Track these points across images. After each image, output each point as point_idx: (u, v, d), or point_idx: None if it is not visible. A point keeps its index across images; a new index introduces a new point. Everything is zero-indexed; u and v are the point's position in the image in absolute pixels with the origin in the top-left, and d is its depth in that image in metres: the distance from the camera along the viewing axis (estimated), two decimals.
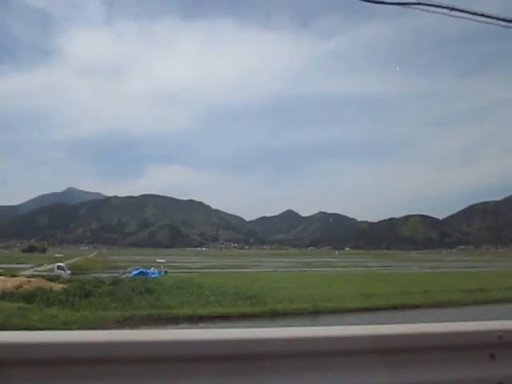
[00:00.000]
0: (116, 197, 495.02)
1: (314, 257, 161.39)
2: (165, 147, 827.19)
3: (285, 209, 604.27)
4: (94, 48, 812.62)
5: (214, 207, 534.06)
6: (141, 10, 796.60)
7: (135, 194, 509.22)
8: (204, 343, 1.72)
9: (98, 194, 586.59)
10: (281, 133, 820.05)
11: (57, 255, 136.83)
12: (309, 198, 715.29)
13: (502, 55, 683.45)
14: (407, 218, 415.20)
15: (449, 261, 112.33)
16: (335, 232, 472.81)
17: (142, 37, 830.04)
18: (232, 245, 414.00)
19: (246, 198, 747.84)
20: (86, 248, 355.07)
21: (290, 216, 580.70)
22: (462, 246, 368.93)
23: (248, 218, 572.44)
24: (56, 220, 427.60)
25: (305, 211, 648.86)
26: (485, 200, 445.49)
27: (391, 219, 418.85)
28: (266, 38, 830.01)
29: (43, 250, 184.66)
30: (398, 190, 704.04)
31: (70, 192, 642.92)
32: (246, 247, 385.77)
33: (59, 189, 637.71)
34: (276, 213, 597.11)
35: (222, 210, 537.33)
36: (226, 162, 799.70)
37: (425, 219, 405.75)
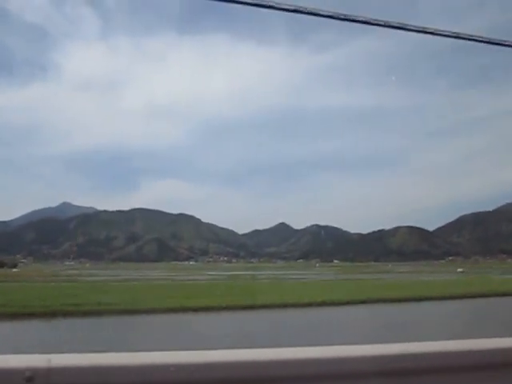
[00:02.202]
0: (106, 211, 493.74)
1: (278, 269, 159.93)
2: (160, 161, 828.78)
3: (278, 221, 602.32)
4: (90, 62, 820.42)
5: (205, 220, 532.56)
6: (136, 24, 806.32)
7: (125, 208, 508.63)
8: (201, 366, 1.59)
9: (92, 208, 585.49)
10: (276, 146, 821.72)
11: (14, 270, 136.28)
12: (303, 210, 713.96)
13: (495, 68, 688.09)
14: (397, 229, 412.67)
15: (397, 272, 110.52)
16: (327, 244, 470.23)
17: (137, 51, 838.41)
18: (221, 258, 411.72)
19: (239, 211, 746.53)
20: (72, 263, 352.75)
21: (282, 229, 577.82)
22: (450, 257, 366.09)
23: (241, 232, 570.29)
24: (44, 235, 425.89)
25: (298, 224, 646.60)
26: (475, 211, 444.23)
27: (380, 231, 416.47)
28: (261, 51, 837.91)
29: (14, 266, 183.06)
30: (394, 201, 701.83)
31: (63, 207, 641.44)
32: (234, 261, 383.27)
33: (53, 203, 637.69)
34: (269, 226, 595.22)
35: (213, 223, 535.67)
36: (221, 176, 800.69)
37: (414, 231, 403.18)
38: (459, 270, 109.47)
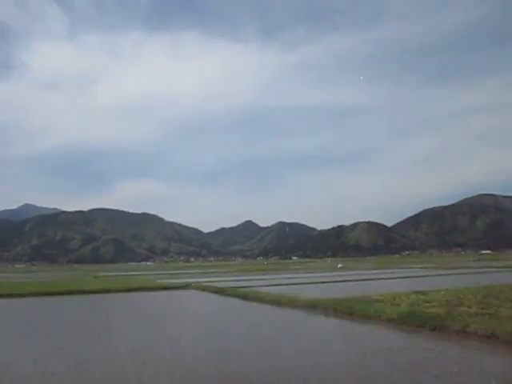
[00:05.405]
0: (65, 212, 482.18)
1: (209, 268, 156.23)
2: (129, 160, 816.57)
3: (245, 219, 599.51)
4: (58, 61, 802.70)
5: (169, 219, 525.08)
6: (104, 23, 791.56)
7: (85, 209, 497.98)
8: None
9: (55, 209, 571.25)
10: (246, 144, 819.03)
11: None
12: (272, 208, 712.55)
13: (460, 65, 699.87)
14: (355, 224, 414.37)
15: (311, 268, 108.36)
16: (289, 241, 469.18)
17: (106, 50, 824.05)
18: (181, 257, 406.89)
19: (207, 210, 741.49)
20: (23, 266, 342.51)
21: (249, 226, 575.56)
22: (407, 252, 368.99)
23: (206, 230, 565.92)
24: None
25: (265, 221, 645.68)
26: (434, 206, 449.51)
27: (340, 226, 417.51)
28: (232, 49, 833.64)
29: None
30: (363, 198, 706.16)
31: (25, 208, 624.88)
32: (192, 259, 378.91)
33: (15, 205, 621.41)
34: (235, 223, 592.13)
35: (177, 222, 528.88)
36: (190, 174, 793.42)
37: (372, 226, 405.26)
38: (339, 265, 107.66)
